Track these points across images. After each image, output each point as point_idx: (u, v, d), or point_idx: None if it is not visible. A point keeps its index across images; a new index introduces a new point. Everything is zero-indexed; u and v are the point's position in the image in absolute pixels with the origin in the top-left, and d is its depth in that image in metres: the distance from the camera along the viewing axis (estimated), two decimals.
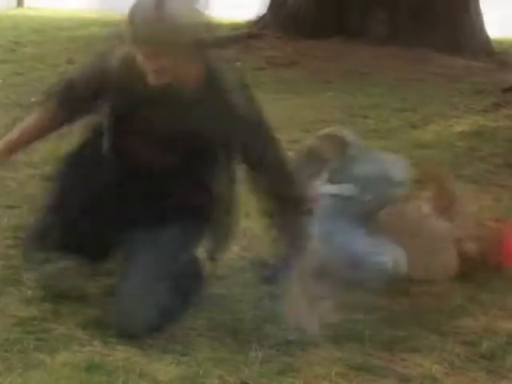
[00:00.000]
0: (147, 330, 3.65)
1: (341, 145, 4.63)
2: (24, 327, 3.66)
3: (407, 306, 4.19)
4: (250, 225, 4.64)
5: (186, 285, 3.89)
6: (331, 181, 4.58)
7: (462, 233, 4.69)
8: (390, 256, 4.37)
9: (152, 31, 3.45)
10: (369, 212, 4.58)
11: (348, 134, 4.78)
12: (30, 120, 4.09)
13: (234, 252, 4.51)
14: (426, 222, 4.70)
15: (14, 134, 4.07)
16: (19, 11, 17.11)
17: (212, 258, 3.98)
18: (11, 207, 5.36)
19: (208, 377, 3.30)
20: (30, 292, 4.00)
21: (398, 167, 4.67)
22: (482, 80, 9.63)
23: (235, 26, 12.06)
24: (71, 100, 3.92)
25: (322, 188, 4.57)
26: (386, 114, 8.19)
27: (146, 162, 3.80)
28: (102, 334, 3.63)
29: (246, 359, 3.46)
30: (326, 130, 4.89)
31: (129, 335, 3.62)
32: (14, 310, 3.82)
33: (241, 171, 3.85)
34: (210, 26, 3.82)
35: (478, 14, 12.15)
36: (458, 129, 7.44)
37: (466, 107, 8.17)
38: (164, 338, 3.66)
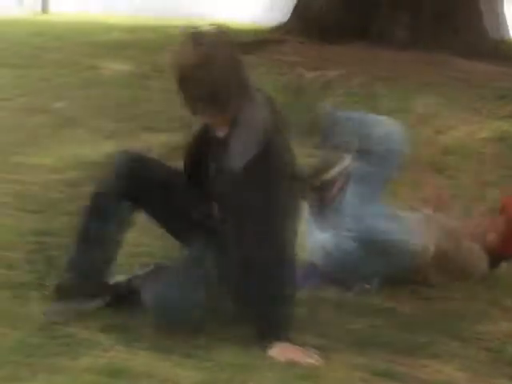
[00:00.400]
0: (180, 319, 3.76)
1: None
2: (47, 332, 3.67)
3: (429, 311, 4.18)
4: None
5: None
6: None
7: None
8: (419, 240, 4.48)
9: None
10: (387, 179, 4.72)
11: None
12: None
13: None
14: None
15: None
16: (43, 17, 17.18)
17: None
18: (34, 212, 5.39)
19: (231, 382, 3.29)
20: None
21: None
22: (505, 85, 9.54)
23: (261, 31, 12.04)
24: None
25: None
26: (410, 119, 8.15)
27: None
28: (124, 338, 3.65)
29: (268, 364, 3.45)
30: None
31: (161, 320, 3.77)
32: (37, 315, 3.83)
33: None
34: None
35: (500, 17, 12.10)
36: (482, 135, 7.39)
37: (489, 112, 8.10)
38: (186, 342, 3.65)
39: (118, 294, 4.05)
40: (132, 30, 13.86)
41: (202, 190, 4.02)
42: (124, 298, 4.02)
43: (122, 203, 3.98)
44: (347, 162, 4.68)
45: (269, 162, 3.75)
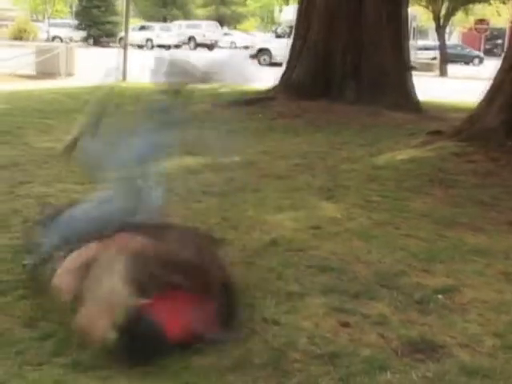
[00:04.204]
0: None
1: None
2: None
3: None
4: None
5: None
6: None
7: None
8: None
9: None
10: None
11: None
12: None
13: None
14: None
15: None
16: (123, 84, 17.12)
17: None
18: None
19: None
20: None
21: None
22: (414, 127, 9.67)
23: (258, 92, 12.08)
24: None
25: None
26: (354, 148, 8.16)
27: None
28: None
29: None
30: None
31: None
32: None
33: None
34: None
35: (412, 85, 12.37)
36: (400, 157, 7.40)
37: (405, 144, 8.14)
38: None
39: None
40: None
41: None
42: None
43: None
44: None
45: None
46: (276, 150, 7.84)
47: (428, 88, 14.15)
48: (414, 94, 12.30)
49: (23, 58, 17.53)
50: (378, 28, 11.94)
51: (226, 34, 45.43)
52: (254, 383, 2.68)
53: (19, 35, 34.55)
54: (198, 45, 40.34)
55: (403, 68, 12.33)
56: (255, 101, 11.45)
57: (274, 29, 33.29)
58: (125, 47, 17.81)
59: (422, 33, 38.54)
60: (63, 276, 3.11)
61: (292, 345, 3.03)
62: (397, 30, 12.23)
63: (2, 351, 2.82)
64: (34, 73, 17.32)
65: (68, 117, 8.57)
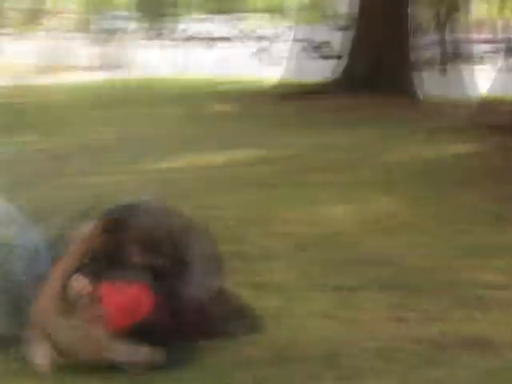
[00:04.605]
0: None
1: None
2: None
3: None
4: None
5: None
6: None
7: None
8: None
9: None
10: None
11: None
12: None
13: None
14: None
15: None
16: (183, 76, 17.15)
17: None
18: None
19: None
20: None
21: None
22: (471, 121, 9.42)
23: (314, 84, 12.05)
24: None
25: None
26: (407, 142, 8.04)
27: None
28: None
29: None
30: None
31: None
32: None
33: None
34: None
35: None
36: (454, 151, 7.29)
37: (460, 138, 8.03)
38: None
39: None
40: (236, 82, 13.89)
41: None
42: None
43: None
44: None
45: None
46: (328, 142, 7.79)
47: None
48: (476, 87, 12.01)
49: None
50: None
51: (286, 27, 45.17)
52: (307, 377, 2.66)
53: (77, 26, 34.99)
54: (257, 37, 40.19)
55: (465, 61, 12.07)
56: (309, 94, 11.44)
57: (332, 21, 33.00)
58: (185, 40, 17.83)
59: None
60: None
61: (345, 339, 2.98)
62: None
63: None
64: (96, 64, 17.50)
65: None
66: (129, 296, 2.66)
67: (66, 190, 5.23)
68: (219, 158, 6.77)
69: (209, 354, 2.76)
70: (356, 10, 12.80)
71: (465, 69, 12.22)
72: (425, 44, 12.34)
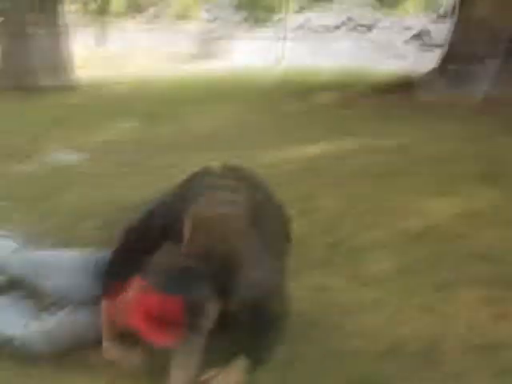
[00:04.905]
0: None
1: None
2: None
3: None
4: None
5: None
6: None
7: None
8: None
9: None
10: None
11: None
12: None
13: None
14: None
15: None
16: (280, 66, 17.29)
17: None
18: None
19: None
20: None
21: None
22: None
23: (414, 76, 11.78)
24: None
25: None
26: None
27: None
28: None
29: None
30: None
31: None
32: None
33: None
34: None
35: None
36: None
37: None
38: None
39: None
40: (336, 74, 13.85)
41: None
42: None
43: None
44: None
45: None
46: (431, 135, 7.62)
47: None
48: None
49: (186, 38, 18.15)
50: None
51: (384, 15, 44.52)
52: (404, 371, 2.63)
53: (182, 15, 35.66)
54: (357, 26, 39.78)
55: None
56: (409, 85, 11.22)
57: (435, 9, 32.27)
58: (283, 30, 17.94)
59: None
60: None
61: (445, 334, 2.93)
62: None
63: None
64: (194, 53, 17.85)
65: None
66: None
67: None
68: (325, 148, 6.76)
69: (309, 346, 2.78)
70: None
71: None
72: None
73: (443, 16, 26.63)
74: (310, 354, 2.69)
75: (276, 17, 27.77)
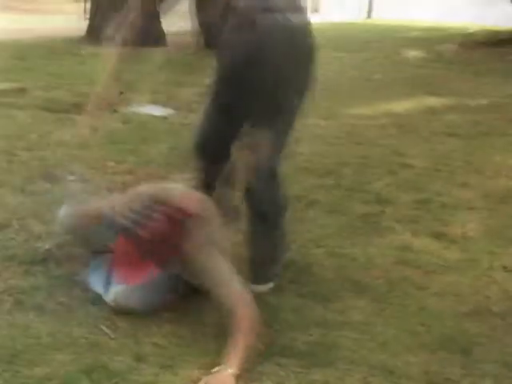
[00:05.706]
0: None
1: None
2: None
3: None
4: None
5: None
6: None
7: None
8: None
9: None
10: None
11: None
12: None
13: None
14: None
15: None
16: (369, 21, 17.02)
17: None
18: (358, 143, 5.34)
19: None
20: None
21: None
22: None
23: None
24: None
25: None
26: None
27: None
28: None
29: None
30: None
31: None
32: None
33: None
34: None
35: None
36: None
37: None
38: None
39: None
40: (425, 30, 13.51)
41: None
42: None
43: None
44: None
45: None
46: None
47: None
48: None
49: None
50: None
51: None
52: (491, 331, 2.60)
53: None
54: None
55: None
56: (509, 41, 10.78)
57: None
58: None
59: None
60: None
61: None
62: None
63: None
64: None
65: None
66: None
67: None
68: (410, 104, 6.64)
69: (389, 306, 2.77)
70: None
71: None
72: None
73: None
74: (389, 314, 2.69)
75: None
